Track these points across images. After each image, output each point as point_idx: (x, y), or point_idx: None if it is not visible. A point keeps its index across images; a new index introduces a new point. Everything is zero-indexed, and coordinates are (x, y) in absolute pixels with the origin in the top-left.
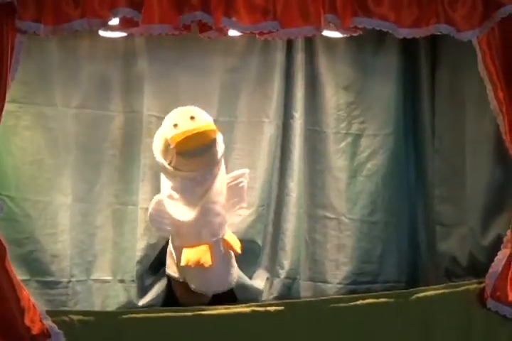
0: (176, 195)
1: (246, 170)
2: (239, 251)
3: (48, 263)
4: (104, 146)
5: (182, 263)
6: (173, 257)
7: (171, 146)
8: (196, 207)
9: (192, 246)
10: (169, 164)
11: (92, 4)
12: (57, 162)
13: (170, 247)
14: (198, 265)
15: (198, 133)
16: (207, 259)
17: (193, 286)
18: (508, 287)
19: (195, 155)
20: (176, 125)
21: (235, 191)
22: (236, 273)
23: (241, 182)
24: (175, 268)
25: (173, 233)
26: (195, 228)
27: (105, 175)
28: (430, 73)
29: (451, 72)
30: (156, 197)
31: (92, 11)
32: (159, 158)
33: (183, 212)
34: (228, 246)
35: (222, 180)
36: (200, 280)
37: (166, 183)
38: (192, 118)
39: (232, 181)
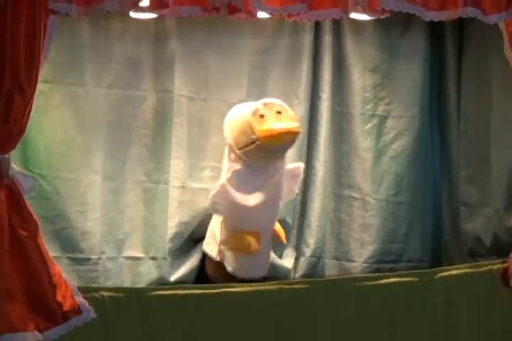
0: (238, 180)
1: (302, 164)
2: (285, 241)
3: (78, 240)
4: (135, 126)
5: (229, 246)
6: (214, 236)
7: (255, 136)
8: (258, 195)
9: (245, 232)
10: (240, 149)
11: None
12: (88, 141)
13: (213, 227)
14: (245, 250)
15: (287, 132)
16: (256, 247)
17: (230, 269)
18: None
19: (276, 152)
20: (262, 116)
21: (291, 178)
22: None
23: (298, 171)
24: (213, 247)
25: (229, 216)
26: (254, 214)
27: (136, 154)
28: (457, 56)
29: (478, 56)
30: (220, 181)
31: None
32: (230, 140)
33: (245, 198)
34: (276, 236)
35: (282, 171)
36: (240, 265)
37: (228, 166)
38: (278, 113)
39: (290, 171)
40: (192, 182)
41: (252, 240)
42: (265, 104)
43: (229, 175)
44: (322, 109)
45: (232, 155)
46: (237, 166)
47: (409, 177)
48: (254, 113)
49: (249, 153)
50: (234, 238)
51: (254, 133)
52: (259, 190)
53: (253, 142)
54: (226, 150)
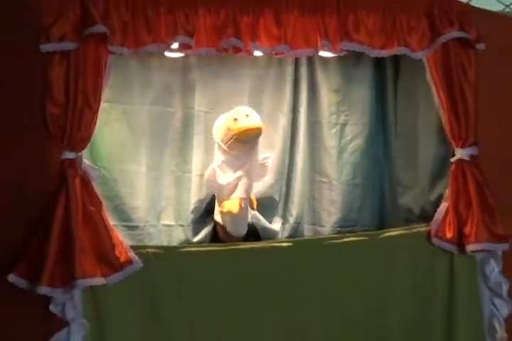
0: (223, 166)
1: (271, 154)
2: (254, 206)
3: (129, 213)
4: (168, 132)
5: (221, 212)
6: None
7: (232, 133)
8: (235, 173)
9: (229, 201)
10: (224, 144)
11: (160, 33)
12: (136, 143)
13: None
14: (231, 214)
15: (253, 128)
16: (236, 209)
17: (227, 229)
18: (446, 229)
19: (247, 142)
20: (235, 119)
21: (262, 168)
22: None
23: (266, 162)
24: (219, 216)
25: (219, 191)
26: (233, 187)
27: (169, 152)
28: (394, 80)
29: (409, 80)
30: (211, 167)
31: (159, 38)
32: (217, 139)
33: (227, 177)
34: (250, 204)
35: (256, 159)
36: (229, 224)
37: (218, 157)
38: (247, 115)
39: (262, 160)
40: (207, 171)
41: (233, 204)
42: (237, 111)
43: (218, 163)
44: (300, 119)
45: (220, 150)
46: (223, 157)
47: (362, 167)
48: (230, 117)
49: (231, 146)
50: (225, 204)
51: (231, 131)
52: (237, 171)
53: (232, 137)
54: (216, 146)
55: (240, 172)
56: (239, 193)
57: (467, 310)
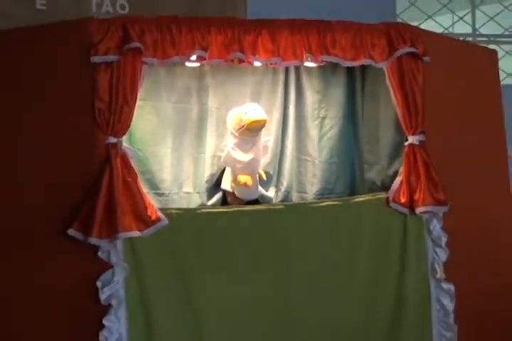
0: (235, 148)
1: (270, 137)
2: (265, 178)
3: (157, 183)
4: (188, 123)
5: (236, 183)
6: (228, 179)
7: (243, 123)
8: (247, 154)
9: (243, 174)
10: (236, 131)
11: (181, 48)
12: (163, 131)
13: (227, 174)
14: (245, 185)
15: (260, 120)
16: (250, 182)
17: (238, 195)
18: (401, 196)
19: (254, 131)
20: (246, 113)
21: (264, 148)
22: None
23: (267, 143)
24: (228, 185)
25: (234, 167)
26: (247, 164)
27: (188, 138)
28: (361, 84)
29: (373, 84)
30: (226, 149)
31: (181, 52)
32: (231, 128)
33: (240, 157)
34: (260, 176)
35: (260, 142)
36: (243, 192)
37: (230, 141)
38: (255, 110)
39: (264, 142)
40: (218, 153)
41: (247, 179)
42: (247, 106)
43: (232, 145)
44: (290, 114)
45: (232, 136)
46: (235, 140)
47: (337, 149)
48: (241, 111)
49: (241, 133)
50: (240, 178)
51: (242, 121)
52: (247, 152)
53: (242, 126)
54: (229, 133)
55: (251, 155)
56: (249, 170)
57: (416, 257)
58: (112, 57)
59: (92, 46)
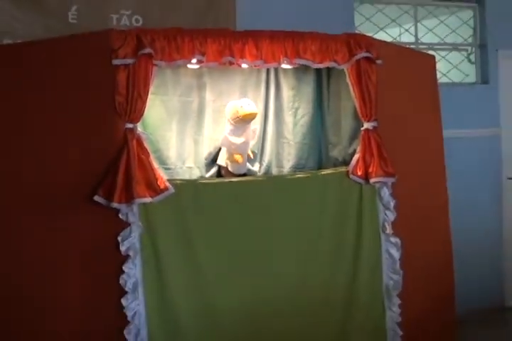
0: (231, 133)
1: (257, 126)
2: (252, 157)
3: (165, 160)
4: (189, 113)
5: (231, 160)
6: (224, 156)
7: (238, 115)
8: (240, 138)
9: (237, 154)
10: (233, 120)
11: (184, 54)
12: (170, 119)
13: (223, 153)
14: (237, 162)
15: (252, 113)
16: (241, 160)
17: (230, 169)
18: (358, 170)
19: (247, 121)
20: (241, 106)
21: (252, 133)
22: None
23: (254, 130)
24: (223, 161)
25: (229, 148)
26: (239, 146)
27: (190, 124)
28: (327, 81)
29: (337, 81)
30: (223, 134)
31: (184, 56)
32: (228, 117)
33: (234, 140)
34: (248, 155)
35: (249, 129)
36: (235, 167)
37: (227, 127)
38: (248, 104)
39: (252, 129)
40: (214, 136)
41: (239, 157)
42: (242, 101)
43: (228, 131)
44: (270, 105)
45: (228, 123)
46: (231, 127)
47: (308, 133)
48: (238, 104)
49: (236, 122)
50: (232, 156)
51: (238, 113)
52: (240, 137)
53: (237, 117)
54: (226, 120)
55: (243, 139)
56: (241, 150)
57: (370, 217)
58: (128, 61)
59: (113, 51)
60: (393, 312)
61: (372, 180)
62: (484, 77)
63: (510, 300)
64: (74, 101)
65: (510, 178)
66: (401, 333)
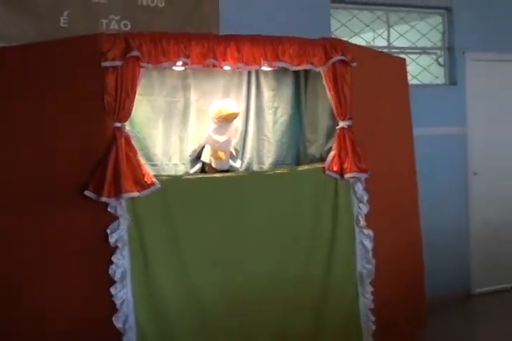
0: (214, 131)
1: (239, 125)
2: (234, 154)
3: (152, 157)
4: (175, 112)
5: (214, 157)
6: (208, 153)
7: (221, 114)
8: (223, 136)
9: (220, 151)
10: (216, 119)
11: (170, 56)
12: (156, 118)
13: (207, 150)
14: (220, 159)
15: (234, 113)
16: (224, 156)
17: (214, 165)
18: (333, 166)
19: (230, 120)
20: (224, 106)
21: (234, 132)
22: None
23: (236, 129)
24: (207, 158)
25: (213, 145)
26: (222, 144)
27: (175, 123)
28: (305, 83)
29: (314, 83)
30: (207, 133)
31: (170, 59)
32: (212, 116)
33: (218, 138)
34: (231, 152)
35: (231, 127)
36: (218, 164)
37: (211, 126)
38: (231, 105)
39: (234, 128)
40: (198, 134)
41: (222, 154)
42: (225, 101)
43: (212, 129)
44: (251, 105)
45: (212, 122)
46: (214, 126)
47: (287, 132)
48: (221, 104)
49: (219, 121)
50: (216, 153)
51: (221, 113)
52: (223, 135)
53: (220, 116)
54: (210, 120)
55: (226, 137)
56: (224, 148)
57: (345, 210)
58: (117, 63)
59: (102, 54)
60: (366, 298)
61: (346, 176)
62: (452, 78)
63: (476, 288)
64: (65, 101)
65: (475, 173)
66: (373, 318)
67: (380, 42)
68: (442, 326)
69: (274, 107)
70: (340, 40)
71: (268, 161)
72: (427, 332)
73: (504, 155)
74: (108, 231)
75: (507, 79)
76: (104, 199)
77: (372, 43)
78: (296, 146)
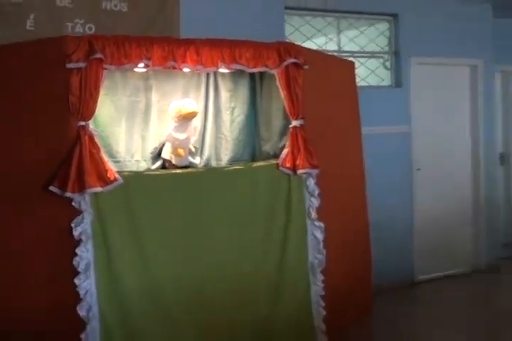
0: (175, 129)
1: (198, 123)
2: (194, 151)
3: (115, 154)
4: (137, 111)
5: (174, 154)
6: (168, 150)
7: (181, 113)
8: (183, 134)
9: (180, 148)
10: (176, 118)
11: (132, 58)
12: (119, 117)
13: (167, 147)
14: (179, 156)
15: (193, 112)
16: (183, 153)
17: (174, 162)
18: (287, 162)
19: (189, 119)
20: (184, 106)
21: (193, 130)
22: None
23: (196, 127)
24: (167, 155)
25: (173, 143)
26: (182, 141)
27: (137, 122)
28: (260, 84)
29: (268, 84)
30: (168, 131)
31: (132, 61)
32: (172, 115)
33: (178, 136)
34: (190, 149)
35: (191, 125)
36: (178, 160)
37: (171, 125)
38: (190, 103)
39: (193, 126)
40: (159, 132)
41: (182, 151)
42: (184, 100)
43: (172, 128)
44: (210, 105)
45: (172, 121)
46: (175, 124)
47: (243, 130)
48: (181, 104)
49: (179, 120)
50: (176, 151)
51: (181, 112)
52: (183, 133)
53: (180, 115)
54: (170, 118)
55: (185, 135)
56: (184, 145)
57: (297, 204)
58: (81, 64)
59: (67, 56)
60: (317, 286)
61: (299, 171)
62: (398, 81)
63: (419, 276)
64: (31, 101)
65: (418, 169)
66: (324, 304)
67: (331, 47)
68: (388, 311)
69: (231, 107)
70: (294, 44)
71: (225, 158)
72: (372, 317)
73: (444, 151)
74: (72, 225)
75: (448, 82)
76: (68, 194)
77: (323, 47)
78: (252, 144)
